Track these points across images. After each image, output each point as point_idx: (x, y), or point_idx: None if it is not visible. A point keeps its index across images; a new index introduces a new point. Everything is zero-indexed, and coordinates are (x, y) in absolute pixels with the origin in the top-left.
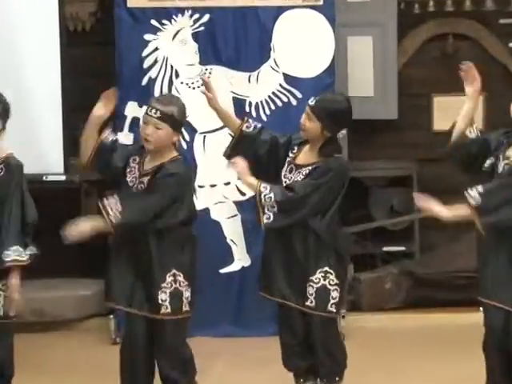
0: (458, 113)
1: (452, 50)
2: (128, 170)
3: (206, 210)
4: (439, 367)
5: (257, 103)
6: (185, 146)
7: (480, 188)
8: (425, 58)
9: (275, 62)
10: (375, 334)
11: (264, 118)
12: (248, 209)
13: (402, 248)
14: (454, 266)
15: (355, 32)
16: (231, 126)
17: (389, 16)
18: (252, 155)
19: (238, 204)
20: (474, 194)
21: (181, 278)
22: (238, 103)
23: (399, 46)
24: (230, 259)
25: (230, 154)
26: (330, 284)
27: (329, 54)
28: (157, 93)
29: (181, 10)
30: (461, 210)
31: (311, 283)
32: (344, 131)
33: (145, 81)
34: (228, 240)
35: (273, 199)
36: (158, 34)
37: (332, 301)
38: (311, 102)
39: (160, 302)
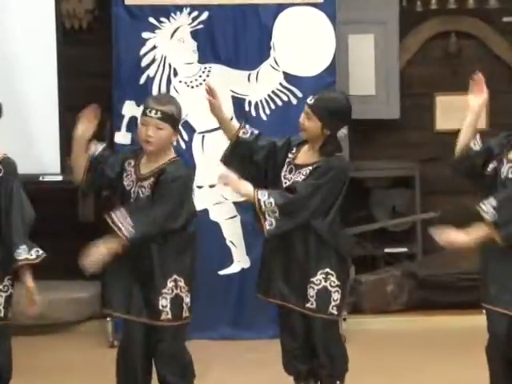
0: (461, 112)
1: (455, 48)
2: (125, 174)
3: (205, 211)
4: (442, 370)
5: (256, 102)
6: (183, 145)
7: (493, 201)
8: (427, 57)
9: (275, 60)
10: (377, 337)
11: (264, 117)
12: (248, 210)
13: (404, 249)
14: (458, 268)
15: (356, 30)
16: (229, 132)
17: (391, 13)
18: (249, 161)
19: (237, 205)
20: (488, 208)
21: (182, 283)
22: (238, 102)
23: (401, 44)
24: (229, 261)
25: (226, 159)
26: (331, 286)
27: (329, 53)
28: (155, 92)
29: (179, 8)
30: (479, 231)
31: (312, 285)
32: (345, 130)
33: (143, 79)
34: (227, 241)
35: (273, 204)
36: (156, 31)
37: (333, 303)
38: (310, 100)
39: (160, 308)
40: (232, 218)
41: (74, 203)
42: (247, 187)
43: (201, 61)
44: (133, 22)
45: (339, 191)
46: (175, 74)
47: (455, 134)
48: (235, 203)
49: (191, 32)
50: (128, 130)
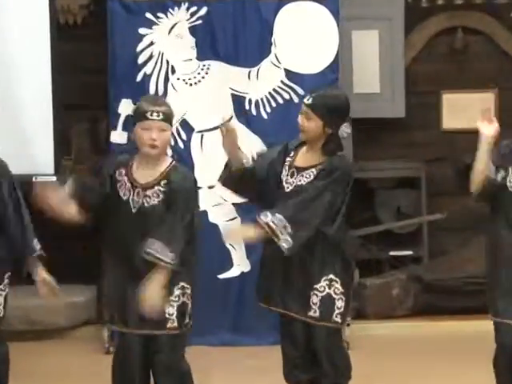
0: (468, 111)
1: (462, 44)
2: (118, 184)
3: (204, 213)
4: (448, 377)
5: (257, 100)
6: (181, 145)
7: None
8: (433, 53)
9: (276, 57)
10: (381, 343)
11: (264, 116)
12: (248, 211)
13: (410, 252)
14: (465, 272)
15: (360, 26)
16: (236, 163)
17: (395, 9)
18: (251, 182)
19: (237, 206)
20: None
21: (189, 290)
22: (238, 101)
23: (406, 40)
24: (228, 264)
25: (226, 182)
26: (335, 293)
27: (332, 49)
28: (152, 90)
29: (177, 3)
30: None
31: (315, 292)
32: (349, 129)
33: (139, 77)
34: (227, 244)
35: (282, 218)
36: (153, 27)
37: (337, 311)
38: (307, 100)
39: (167, 316)
40: (232, 219)
41: None
42: (250, 229)
43: (199, 57)
44: (129, 18)
45: (345, 192)
46: (173, 71)
47: (462, 133)
48: (235, 205)
49: (189, 28)
50: (124, 129)
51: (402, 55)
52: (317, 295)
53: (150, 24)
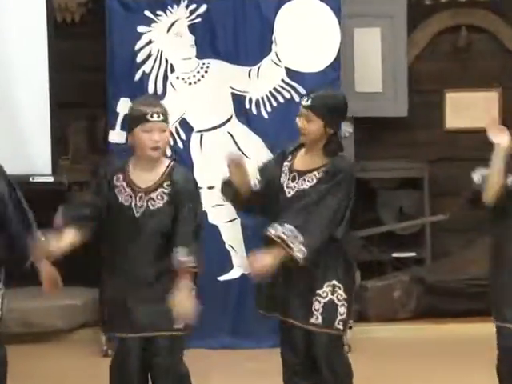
0: (472, 110)
1: (465, 42)
2: (116, 190)
3: (204, 213)
4: (451, 380)
5: (257, 99)
6: (181, 145)
7: None
8: (436, 52)
9: (277, 55)
10: (383, 346)
11: (265, 115)
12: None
13: (413, 254)
14: (468, 273)
15: (362, 23)
16: (244, 189)
17: (398, 6)
18: (257, 198)
19: None
20: None
21: (194, 292)
22: (238, 100)
23: (409, 38)
24: (228, 266)
25: (234, 205)
26: (338, 299)
27: (334, 47)
28: (151, 88)
29: (176, 1)
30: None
31: (318, 297)
32: (350, 129)
33: (138, 76)
34: (227, 245)
35: (293, 228)
36: (152, 25)
37: (339, 317)
38: (306, 101)
39: (172, 317)
40: (232, 221)
41: None
42: (268, 257)
43: (199, 56)
44: (127, 15)
45: (350, 193)
46: (172, 69)
47: (466, 132)
48: None
49: (189, 26)
50: (122, 128)
51: (404, 53)
52: (319, 301)
53: (148, 22)
